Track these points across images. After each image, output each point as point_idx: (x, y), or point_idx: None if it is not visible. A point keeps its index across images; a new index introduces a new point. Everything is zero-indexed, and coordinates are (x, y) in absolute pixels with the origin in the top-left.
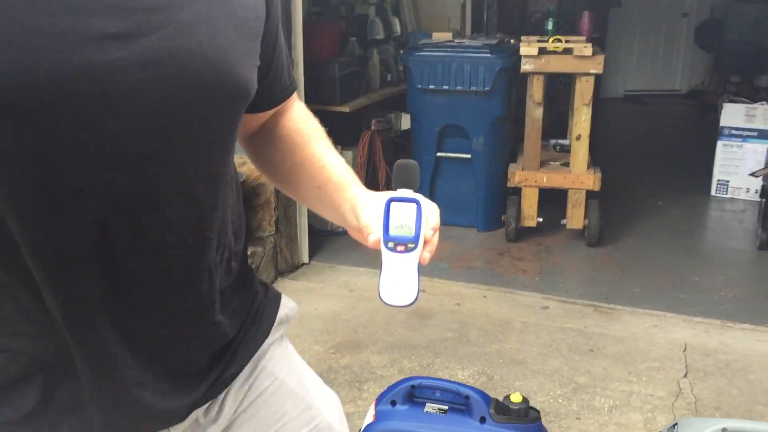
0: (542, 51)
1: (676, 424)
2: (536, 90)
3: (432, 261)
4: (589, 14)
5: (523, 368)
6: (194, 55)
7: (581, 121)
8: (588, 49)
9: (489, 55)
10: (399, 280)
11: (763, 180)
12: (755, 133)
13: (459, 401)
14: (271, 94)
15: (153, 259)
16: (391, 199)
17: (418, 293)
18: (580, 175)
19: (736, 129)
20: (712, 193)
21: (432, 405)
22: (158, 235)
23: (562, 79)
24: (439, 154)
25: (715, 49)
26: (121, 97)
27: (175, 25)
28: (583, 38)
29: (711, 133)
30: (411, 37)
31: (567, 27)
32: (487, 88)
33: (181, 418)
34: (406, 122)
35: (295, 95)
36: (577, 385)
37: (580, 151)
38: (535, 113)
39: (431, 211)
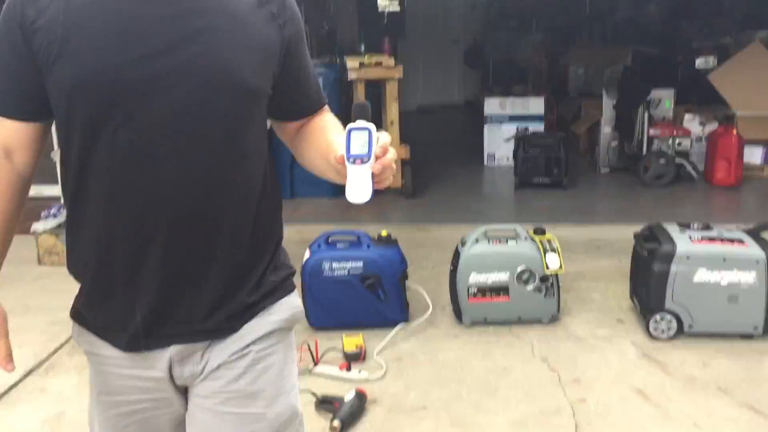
0: (361, 65)
1: (464, 237)
2: (360, 92)
3: (300, 215)
4: (388, 39)
5: None
6: (214, 63)
7: (392, 111)
8: (392, 62)
9: (324, 69)
10: (358, 185)
11: (514, 145)
12: (507, 118)
13: (354, 241)
14: (302, 106)
15: (185, 187)
16: (351, 128)
17: (372, 194)
18: (396, 148)
19: (495, 116)
20: (485, 163)
21: (340, 244)
22: (187, 181)
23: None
24: None
25: (480, 68)
26: (166, 87)
27: (203, 44)
28: (386, 55)
29: (482, 128)
30: None
31: (370, 50)
32: (325, 94)
33: (201, 337)
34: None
35: (326, 108)
36: (412, 260)
37: (394, 132)
38: None
39: (381, 135)
